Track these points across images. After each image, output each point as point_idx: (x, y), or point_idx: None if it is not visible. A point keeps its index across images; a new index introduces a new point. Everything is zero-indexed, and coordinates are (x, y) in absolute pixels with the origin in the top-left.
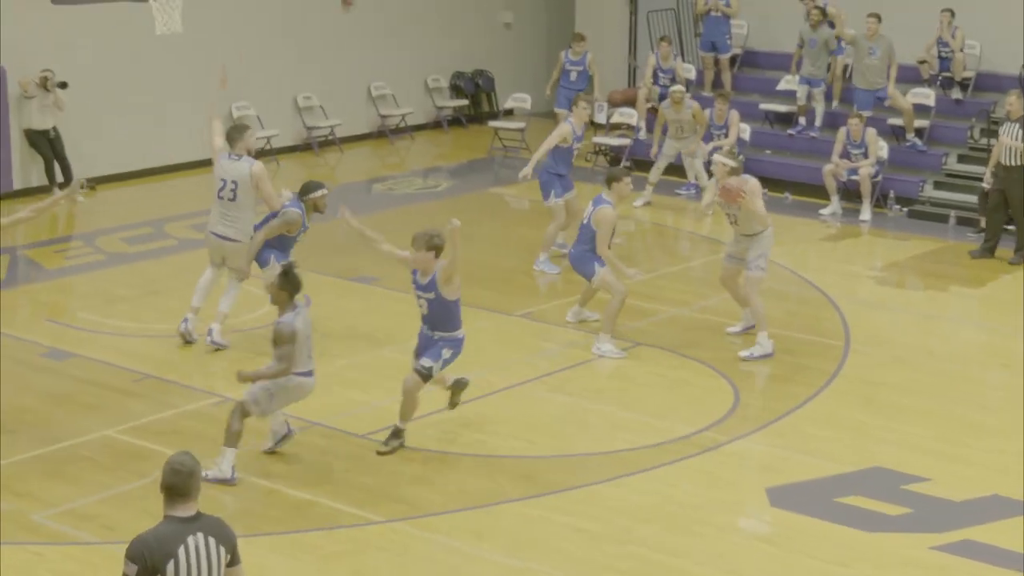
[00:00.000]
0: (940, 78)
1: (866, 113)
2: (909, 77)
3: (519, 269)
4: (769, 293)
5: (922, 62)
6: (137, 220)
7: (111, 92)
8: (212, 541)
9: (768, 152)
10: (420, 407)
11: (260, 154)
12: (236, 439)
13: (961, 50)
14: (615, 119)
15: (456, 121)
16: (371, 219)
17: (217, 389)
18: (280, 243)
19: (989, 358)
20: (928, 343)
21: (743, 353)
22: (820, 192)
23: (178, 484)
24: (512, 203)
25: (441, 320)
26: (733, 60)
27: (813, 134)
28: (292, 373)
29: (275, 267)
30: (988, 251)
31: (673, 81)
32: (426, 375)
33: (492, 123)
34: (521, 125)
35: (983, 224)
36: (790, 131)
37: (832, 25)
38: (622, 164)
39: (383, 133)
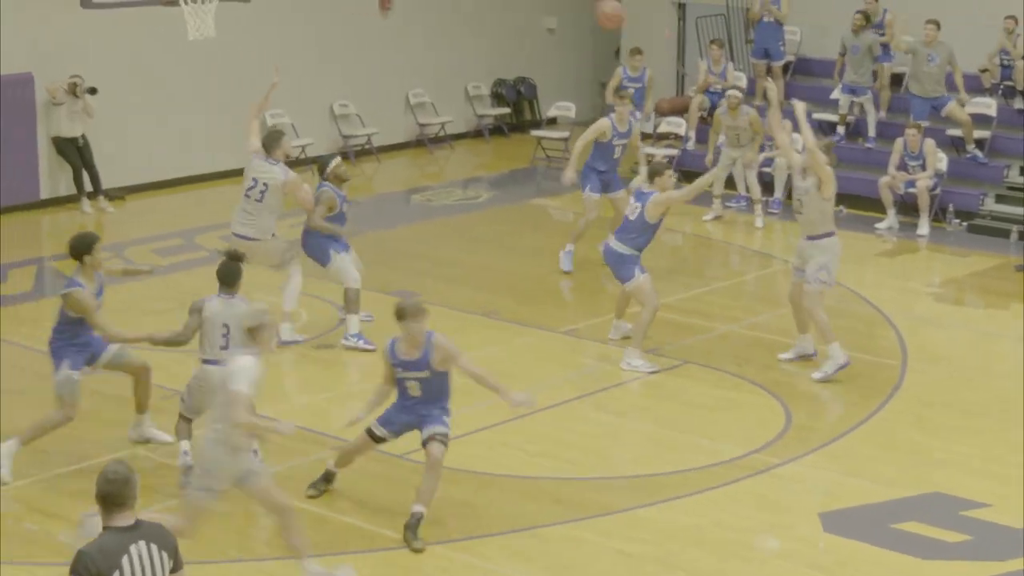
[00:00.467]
0: (1002, 87)
1: (923, 123)
2: (970, 86)
3: (562, 283)
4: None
5: (983, 71)
6: (167, 231)
7: (141, 99)
8: (155, 548)
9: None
10: (462, 427)
11: (295, 163)
12: (184, 433)
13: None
14: (662, 129)
15: (497, 130)
16: (409, 231)
17: None
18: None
19: None
20: (988, 362)
21: (816, 375)
22: (876, 206)
23: (112, 493)
24: (555, 215)
25: (438, 395)
26: (786, 68)
27: (868, 145)
28: (201, 360)
29: (342, 259)
30: None
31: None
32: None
33: (535, 132)
34: (565, 134)
35: None
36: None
37: (880, 31)
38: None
39: (422, 142)
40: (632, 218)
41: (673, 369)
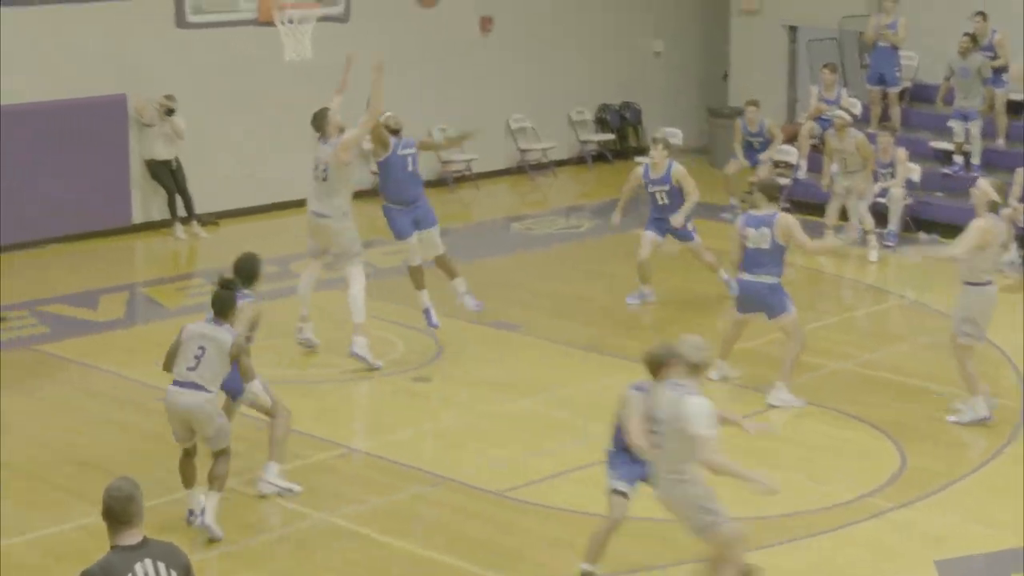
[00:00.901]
0: None
1: None
2: None
3: (667, 318)
4: (942, 347)
5: None
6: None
7: (235, 121)
8: (162, 566)
9: (940, 195)
10: (554, 464)
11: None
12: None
13: None
14: (772, 156)
15: (601, 156)
16: (508, 260)
17: (342, 439)
18: (396, 195)
19: None
20: None
21: (951, 418)
22: None
23: (116, 510)
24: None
25: None
26: (902, 94)
27: (974, 173)
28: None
29: (413, 238)
30: None
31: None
32: None
33: (639, 159)
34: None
35: None
36: (945, 170)
37: (990, 54)
38: (780, 206)
39: (523, 169)
40: (765, 246)
41: (805, 401)
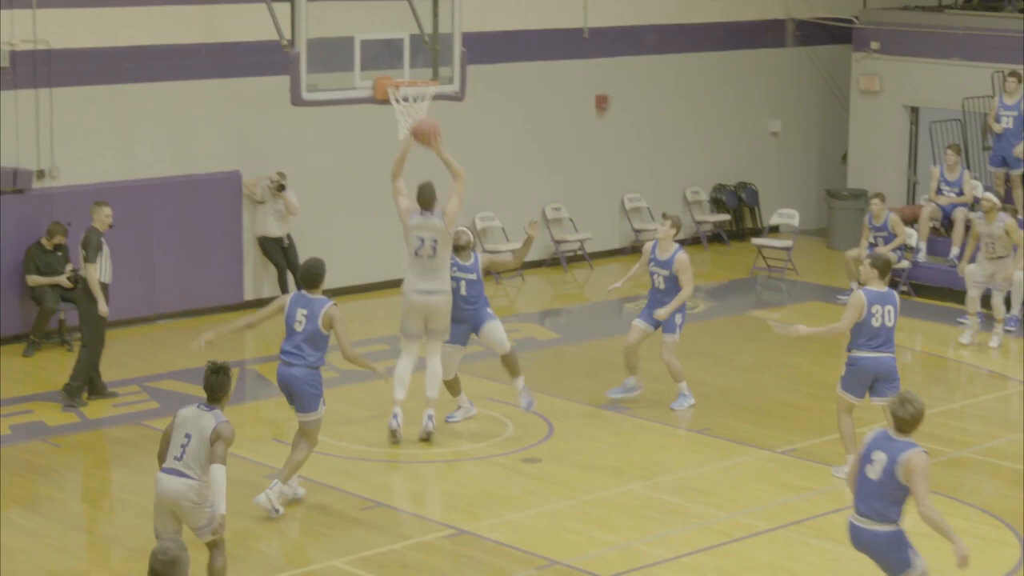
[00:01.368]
0: None
1: None
2: None
3: (783, 400)
4: None
5: None
6: (372, 336)
7: (347, 199)
8: None
9: None
10: (664, 550)
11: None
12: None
13: None
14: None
15: (716, 237)
16: (620, 342)
17: (452, 520)
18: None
19: None
20: None
21: None
22: None
23: (160, 573)
24: (776, 328)
25: None
26: None
27: None
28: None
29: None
30: None
31: (960, 195)
32: None
33: (755, 240)
34: (787, 243)
35: None
36: None
37: None
38: (899, 289)
39: (637, 249)
40: (889, 324)
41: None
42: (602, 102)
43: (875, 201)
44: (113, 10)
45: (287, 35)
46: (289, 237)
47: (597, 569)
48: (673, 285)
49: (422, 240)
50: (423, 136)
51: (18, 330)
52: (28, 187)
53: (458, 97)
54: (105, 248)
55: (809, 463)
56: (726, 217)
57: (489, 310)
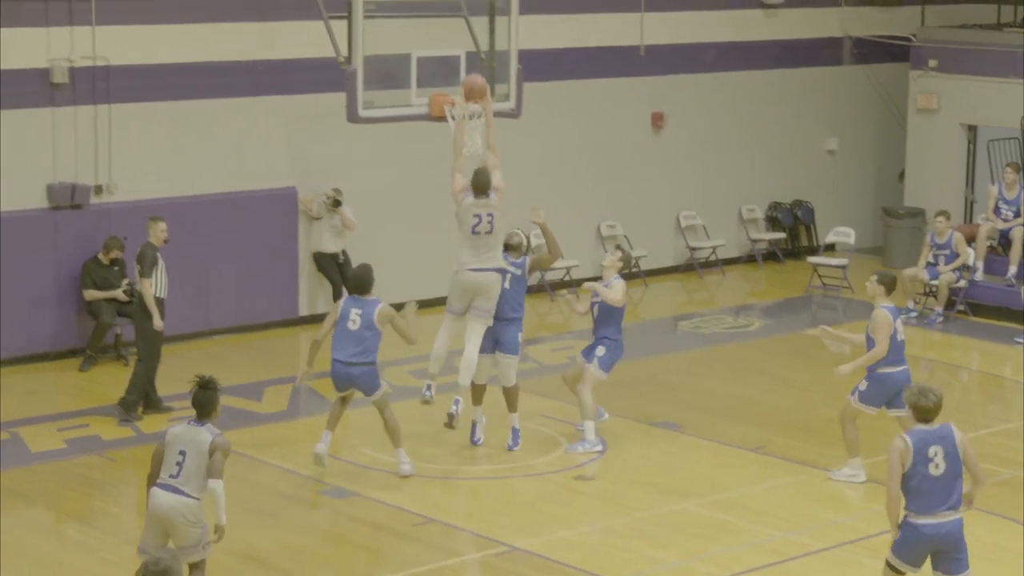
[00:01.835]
0: None
1: None
2: None
3: (836, 419)
4: None
5: None
6: (427, 352)
7: (403, 215)
8: None
9: None
10: (718, 568)
11: (560, 284)
12: None
13: None
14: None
15: (772, 255)
16: (675, 359)
17: (504, 537)
18: None
19: None
20: None
21: None
22: None
23: None
24: (831, 346)
25: None
26: None
27: None
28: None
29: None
30: None
31: (1017, 215)
32: None
33: (811, 259)
34: (843, 262)
35: None
36: None
37: None
38: (956, 309)
39: (691, 266)
40: (903, 337)
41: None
42: (658, 120)
43: (939, 219)
44: (171, 27)
45: (344, 52)
46: (344, 253)
47: None
48: (604, 315)
49: (479, 217)
50: (476, 92)
51: (74, 344)
52: (86, 203)
53: (514, 114)
54: (161, 263)
55: (866, 482)
56: (781, 235)
57: (518, 337)
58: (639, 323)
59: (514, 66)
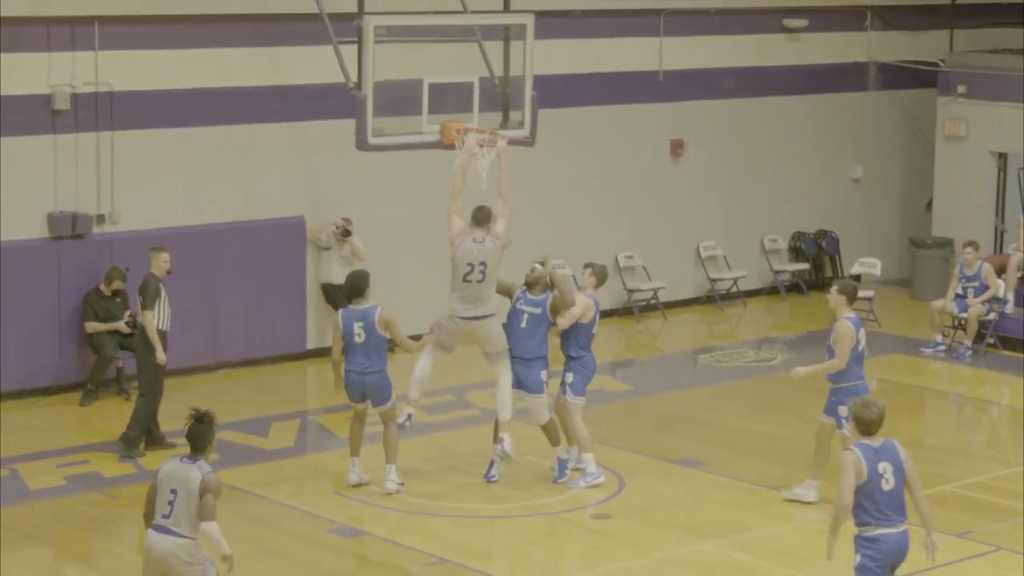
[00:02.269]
0: None
1: None
2: None
3: None
4: None
5: None
6: (438, 387)
7: (412, 246)
8: None
9: None
10: None
11: None
12: None
13: None
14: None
15: (795, 287)
16: (695, 394)
17: (505, 575)
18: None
19: None
20: None
21: None
22: None
23: None
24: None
25: None
26: None
27: None
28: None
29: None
30: None
31: None
32: None
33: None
34: (870, 294)
35: None
36: None
37: None
38: (985, 342)
39: (712, 298)
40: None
41: (984, 556)
42: (677, 147)
43: (968, 250)
44: (176, 52)
45: (353, 78)
46: None
47: None
48: (568, 333)
49: (471, 266)
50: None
51: (75, 378)
52: (88, 232)
53: (529, 142)
54: (163, 294)
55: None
56: (805, 266)
57: (541, 376)
58: (658, 356)
59: (529, 92)
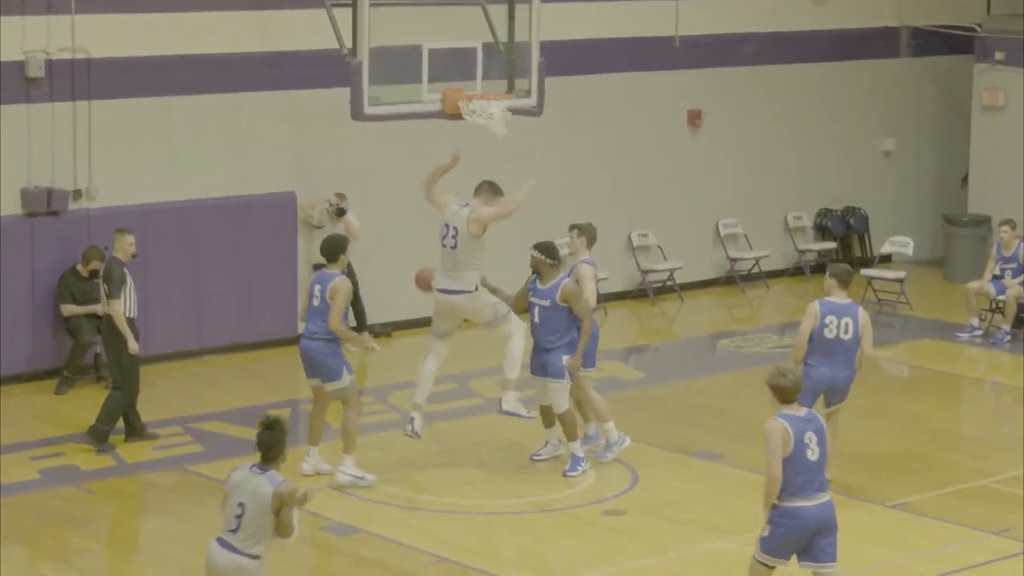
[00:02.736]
0: None
1: None
2: None
3: (896, 448)
4: None
5: None
6: (439, 374)
7: (412, 223)
8: None
9: None
10: None
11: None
12: None
13: None
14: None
15: (821, 267)
16: (713, 382)
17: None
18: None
19: None
20: None
21: None
22: None
23: None
24: (888, 368)
25: None
26: None
27: None
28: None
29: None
30: None
31: None
32: None
33: (865, 272)
34: (900, 275)
35: None
36: None
37: None
38: None
39: (732, 279)
40: (845, 337)
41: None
42: (695, 118)
43: (1005, 228)
44: (158, 16)
45: (348, 43)
46: (349, 266)
47: None
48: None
49: (447, 227)
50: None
51: (51, 364)
52: (64, 209)
53: (535, 112)
54: (129, 280)
55: (924, 518)
56: (832, 245)
57: (563, 361)
58: (674, 342)
59: (536, 59)
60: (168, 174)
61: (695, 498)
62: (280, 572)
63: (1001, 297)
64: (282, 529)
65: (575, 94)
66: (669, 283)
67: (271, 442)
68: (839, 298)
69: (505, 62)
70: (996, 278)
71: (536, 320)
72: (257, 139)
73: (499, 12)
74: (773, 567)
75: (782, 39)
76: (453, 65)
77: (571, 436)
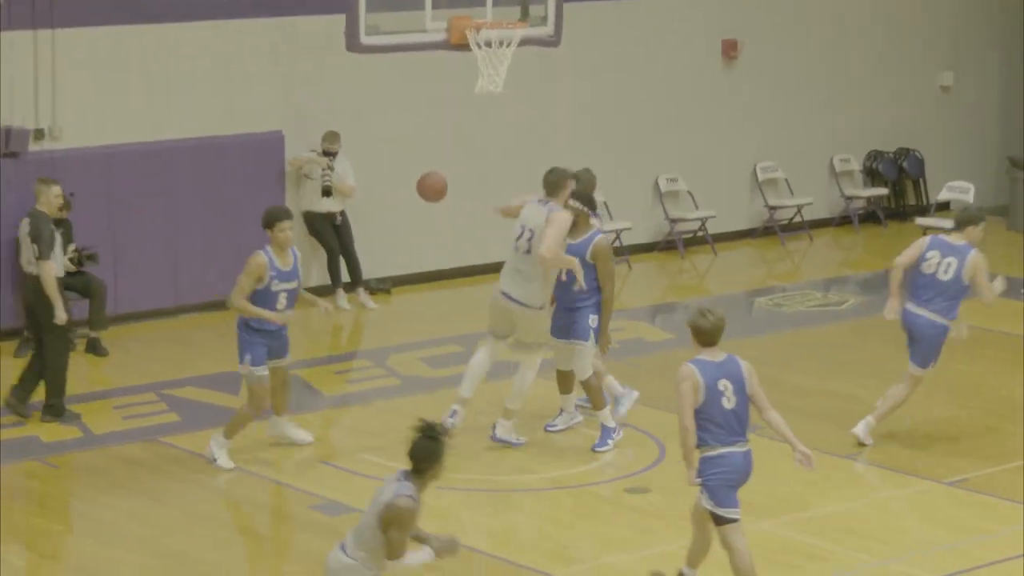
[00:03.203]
0: None
1: None
2: None
3: (952, 419)
4: None
5: None
6: (442, 335)
7: (414, 168)
8: None
9: None
10: None
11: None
12: None
13: None
14: None
15: (871, 216)
16: (750, 344)
17: (540, 564)
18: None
19: None
20: None
21: None
22: None
23: None
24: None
25: None
26: None
27: None
28: None
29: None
30: None
31: None
32: None
33: (920, 220)
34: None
35: None
36: None
37: None
38: None
39: (771, 230)
40: (944, 278)
41: None
42: (730, 48)
43: None
44: None
45: None
46: (343, 214)
47: None
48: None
49: (521, 228)
50: (430, 191)
51: (9, 324)
52: (23, 150)
53: (552, 42)
54: (57, 237)
55: (983, 497)
56: (883, 191)
57: (589, 322)
58: (706, 299)
59: None
60: (141, 112)
61: None
62: (263, 556)
63: None
64: (389, 550)
65: (596, 22)
66: (700, 234)
67: (426, 452)
68: (954, 239)
69: None
70: None
71: (564, 277)
72: (241, 72)
73: None
74: (735, 520)
75: None
76: None
77: (598, 405)
